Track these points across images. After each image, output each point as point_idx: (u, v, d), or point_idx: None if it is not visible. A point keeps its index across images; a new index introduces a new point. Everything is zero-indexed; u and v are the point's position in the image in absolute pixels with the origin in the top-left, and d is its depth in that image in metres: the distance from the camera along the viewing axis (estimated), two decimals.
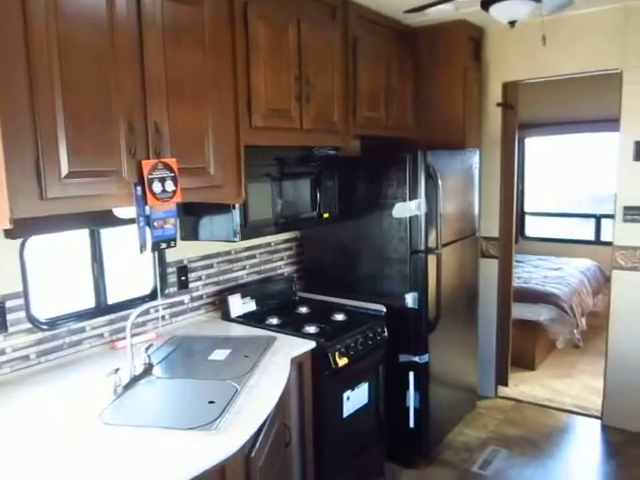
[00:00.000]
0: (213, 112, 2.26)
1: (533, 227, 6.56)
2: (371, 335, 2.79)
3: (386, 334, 2.91)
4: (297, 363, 2.48)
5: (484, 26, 3.72)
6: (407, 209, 2.90)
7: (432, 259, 2.97)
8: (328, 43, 2.85)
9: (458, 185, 3.30)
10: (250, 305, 2.98)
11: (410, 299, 2.99)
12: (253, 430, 1.77)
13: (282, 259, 3.45)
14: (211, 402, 1.88)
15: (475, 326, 3.72)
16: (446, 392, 3.39)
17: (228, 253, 3.07)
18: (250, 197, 2.54)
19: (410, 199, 2.91)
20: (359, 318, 2.89)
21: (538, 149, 6.43)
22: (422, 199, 2.90)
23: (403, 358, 3.07)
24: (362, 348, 2.73)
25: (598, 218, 6.01)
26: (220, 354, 2.37)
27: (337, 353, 2.57)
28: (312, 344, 2.50)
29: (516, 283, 4.68)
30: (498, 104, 3.80)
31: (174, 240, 2.18)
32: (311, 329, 2.67)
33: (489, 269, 3.99)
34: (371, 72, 3.19)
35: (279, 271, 3.41)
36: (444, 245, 3.11)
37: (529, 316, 4.37)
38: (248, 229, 2.58)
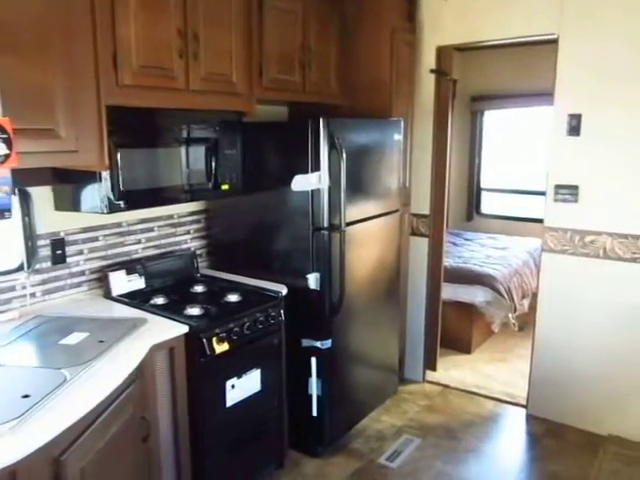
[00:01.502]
0: (64, 67, 1.97)
1: (490, 203, 6.34)
2: (262, 319, 2.57)
3: (282, 317, 2.69)
4: (168, 349, 2.26)
5: None
6: (307, 182, 2.65)
7: (339, 237, 2.73)
8: None
9: (374, 157, 3.05)
10: (138, 282, 2.74)
11: (312, 280, 2.76)
12: (61, 428, 1.53)
13: (188, 233, 3.19)
14: (25, 396, 1.65)
15: (397, 308, 3.50)
16: (359, 377, 3.20)
17: (118, 225, 2.80)
18: (123, 165, 2.27)
19: (312, 171, 2.65)
20: (255, 299, 2.66)
21: (497, 123, 6.17)
22: (324, 172, 2.64)
23: (305, 343, 2.86)
24: (251, 332, 2.51)
25: None
26: (75, 338, 2.13)
27: (215, 338, 2.34)
28: (184, 329, 2.27)
29: (455, 262, 4.48)
30: (432, 70, 3.52)
31: (8, 211, 1.91)
32: (194, 311, 2.43)
33: (419, 248, 3.77)
34: (282, 29, 2.90)
35: (184, 246, 3.16)
36: (355, 222, 2.88)
37: (464, 298, 4.18)
38: (121, 200, 2.31)
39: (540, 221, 5.91)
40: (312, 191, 2.68)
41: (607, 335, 3.14)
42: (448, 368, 4.13)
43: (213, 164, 2.71)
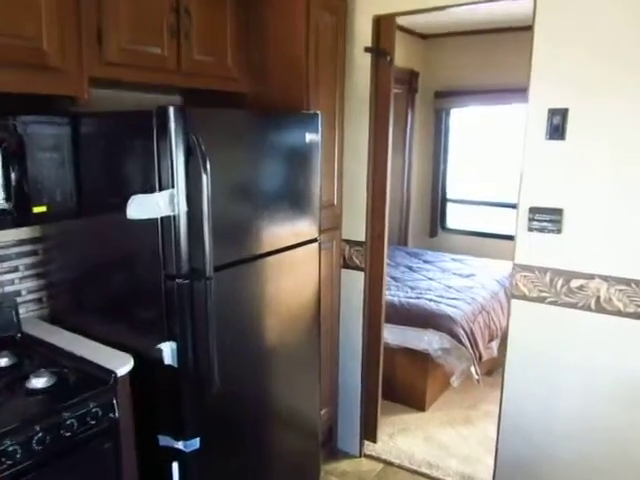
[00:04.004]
0: None
1: (457, 217, 5.47)
2: (71, 423, 1.62)
3: (116, 412, 1.75)
4: None
5: None
6: (152, 206, 1.71)
7: (204, 289, 1.80)
8: None
9: (273, 168, 2.12)
10: None
11: (167, 352, 1.83)
12: None
13: (16, 270, 2.23)
14: None
15: (316, 366, 2.58)
16: (255, 474, 2.28)
17: None
18: None
19: (160, 189, 1.72)
20: (76, 384, 1.72)
21: (465, 124, 5.30)
22: (179, 191, 1.71)
23: (163, 441, 1.92)
24: (53, 444, 1.57)
25: None
26: None
27: None
28: None
29: (405, 297, 3.58)
30: (367, 49, 2.61)
31: None
32: None
33: (353, 284, 2.87)
34: None
35: (8, 289, 2.20)
36: (236, 263, 1.95)
37: (416, 344, 3.28)
38: None
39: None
40: (162, 219, 1.74)
41: (599, 418, 2.27)
42: (394, 434, 3.23)
43: (13, 175, 1.77)
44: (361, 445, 3.05)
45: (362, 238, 2.80)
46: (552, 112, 2.17)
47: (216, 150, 1.78)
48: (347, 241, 2.83)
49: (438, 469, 2.90)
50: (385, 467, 2.96)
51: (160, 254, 1.77)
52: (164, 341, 1.82)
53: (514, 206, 4.98)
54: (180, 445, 1.89)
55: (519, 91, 4.40)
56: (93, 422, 1.68)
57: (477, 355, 3.31)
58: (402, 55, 4.63)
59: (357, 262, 2.83)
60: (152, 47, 2.07)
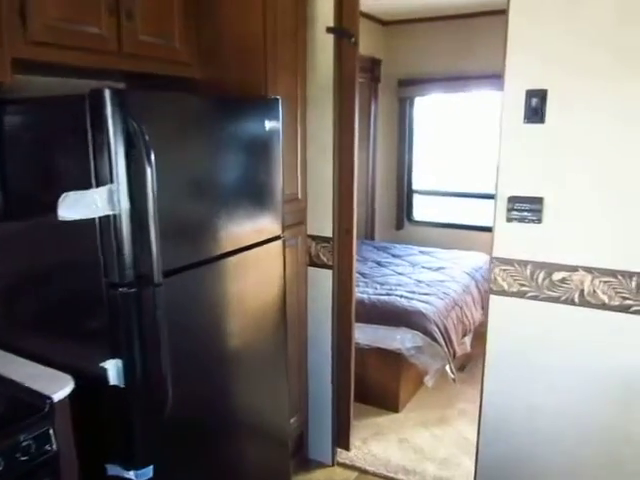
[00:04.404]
0: None
1: (424, 209, 5.34)
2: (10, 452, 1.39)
3: (54, 444, 1.52)
4: None
5: None
6: (88, 204, 1.48)
7: (152, 297, 1.58)
8: None
9: (229, 158, 1.91)
10: None
11: (113, 371, 1.60)
12: None
13: None
14: None
15: (283, 372, 2.38)
16: None
17: None
18: None
19: (97, 185, 1.49)
20: (1, 415, 1.49)
21: (431, 112, 5.17)
22: (120, 186, 1.49)
23: (112, 471, 1.70)
24: None
25: None
26: None
27: None
28: None
29: (375, 294, 3.41)
30: (329, 29, 2.42)
31: None
32: None
33: (321, 283, 2.68)
34: None
35: None
36: (190, 267, 1.74)
37: (388, 344, 3.12)
38: None
39: (483, 229, 5.01)
40: (100, 219, 1.51)
41: (586, 416, 2.14)
42: (367, 439, 3.07)
43: None
44: (334, 453, 2.87)
45: (329, 234, 2.61)
46: (530, 94, 2.02)
47: (162, 139, 1.57)
48: (313, 237, 2.64)
49: (415, 474, 2.75)
50: (359, 475, 2.80)
51: (100, 259, 1.54)
52: (108, 359, 1.59)
53: (484, 196, 4.98)
54: (131, 475, 1.67)
55: (488, 77, 4.31)
56: (24, 458, 1.44)
57: (451, 352, 3.17)
58: (364, 42, 4.39)
59: (324, 259, 2.64)
60: (87, 26, 1.83)
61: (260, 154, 2.04)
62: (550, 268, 2.10)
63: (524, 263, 2.14)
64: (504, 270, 2.18)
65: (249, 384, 2.13)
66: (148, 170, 1.47)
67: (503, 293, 2.20)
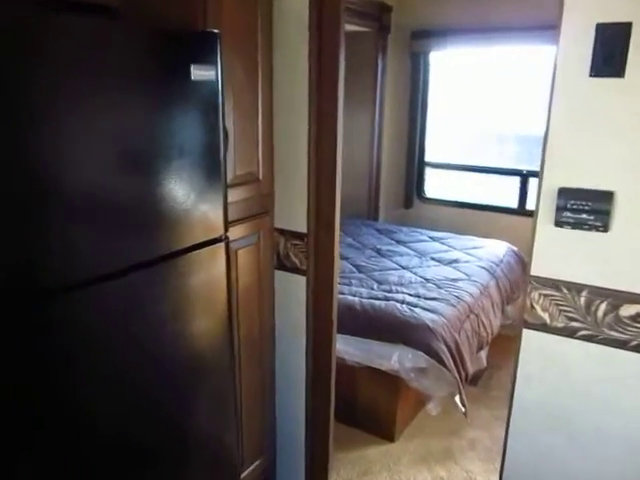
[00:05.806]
0: None
1: (437, 185, 4.61)
2: None
3: None
4: None
5: None
6: None
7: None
8: None
9: (130, 123, 1.22)
10: None
11: None
12: None
13: None
14: None
15: (234, 416, 1.75)
16: None
17: None
18: None
19: None
20: None
21: (449, 70, 4.39)
22: None
23: None
24: None
25: (524, 176, 4.08)
26: None
27: None
28: None
29: (370, 294, 2.74)
30: None
31: None
32: None
33: (291, 291, 2.02)
34: None
35: None
36: (106, 279, 1.08)
37: (382, 364, 2.46)
38: None
39: (506, 210, 4.29)
40: None
41: None
42: (354, 478, 2.45)
43: None
44: None
45: (303, 228, 1.92)
46: (603, 30, 1.29)
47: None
48: (282, 231, 1.96)
49: None
50: None
51: None
52: None
53: (508, 172, 4.24)
54: None
55: (524, 29, 3.54)
56: None
57: (463, 376, 2.50)
58: None
59: (296, 262, 1.97)
60: None
61: (182, 117, 1.35)
62: (617, 298, 1.41)
63: (577, 288, 1.45)
64: (546, 296, 1.49)
65: (183, 435, 1.49)
66: None
67: (543, 328, 1.52)
